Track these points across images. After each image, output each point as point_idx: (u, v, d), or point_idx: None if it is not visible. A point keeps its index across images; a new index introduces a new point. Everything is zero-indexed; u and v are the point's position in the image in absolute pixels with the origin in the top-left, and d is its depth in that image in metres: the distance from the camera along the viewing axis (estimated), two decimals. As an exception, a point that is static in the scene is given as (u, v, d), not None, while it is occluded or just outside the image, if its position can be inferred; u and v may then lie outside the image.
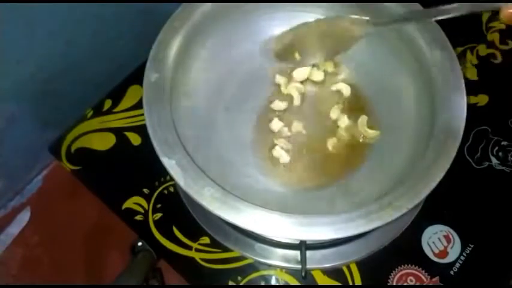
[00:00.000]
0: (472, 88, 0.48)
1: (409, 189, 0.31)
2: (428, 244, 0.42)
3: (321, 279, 0.41)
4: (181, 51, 0.38)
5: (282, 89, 0.43)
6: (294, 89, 0.43)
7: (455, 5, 0.33)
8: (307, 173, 0.40)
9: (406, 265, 0.41)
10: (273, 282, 0.41)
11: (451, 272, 0.41)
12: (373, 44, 0.42)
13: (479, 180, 0.45)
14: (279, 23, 0.44)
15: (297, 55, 0.42)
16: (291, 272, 0.42)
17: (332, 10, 0.42)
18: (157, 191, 0.45)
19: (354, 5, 0.41)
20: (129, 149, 0.47)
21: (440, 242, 0.42)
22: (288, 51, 0.43)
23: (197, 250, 0.42)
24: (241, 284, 0.41)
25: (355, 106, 0.42)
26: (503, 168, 0.45)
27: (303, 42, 0.42)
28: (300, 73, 0.44)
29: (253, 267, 0.42)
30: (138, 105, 0.49)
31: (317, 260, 0.40)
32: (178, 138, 0.33)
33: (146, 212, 0.44)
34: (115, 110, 0.49)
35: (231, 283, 0.41)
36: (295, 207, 0.37)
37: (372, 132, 0.40)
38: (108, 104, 0.49)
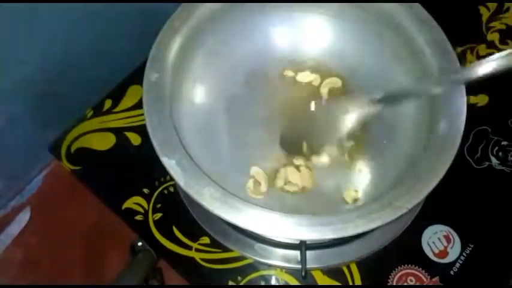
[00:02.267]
0: (471, 88, 0.48)
1: (409, 189, 0.31)
2: (428, 244, 0.42)
3: (321, 279, 0.41)
4: (181, 51, 0.38)
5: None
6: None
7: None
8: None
9: (406, 265, 0.41)
10: (273, 282, 0.42)
11: (451, 272, 0.41)
12: (373, 44, 0.42)
13: (479, 180, 0.45)
14: (279, 23, 0.44)
15: (304, 147, 0.40)
16: (291, 272, 0.42)
17: (332, 10, 0.43)
18: (157, 191, 0.45)
19: (353, 5, 0.41)
20: (129, 149, 0.47)
21: (440, 242, 0.42)
22: (294, 144, 0.40)
23: (197, 250, 0.42)
24: (241, 284, 0.41)
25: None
26: (503, 168, 0.45)
27: (308, 133, 0.40)
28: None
29: (253, 267, 0.42)
30: (138, 105, 0.49)
31: (317, 260, 0.40)
32: (178, 138, 0.33)
33: (146, 212, 0.44)
34: (115, 110, 0.49)
35: (231, 283, 0.41)
36: (295, 207, 0.37)
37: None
38: (108, 104, 0.50)
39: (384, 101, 0.35)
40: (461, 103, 0.35)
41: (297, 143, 0.40)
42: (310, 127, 0.40)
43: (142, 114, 0.35)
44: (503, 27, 0.53)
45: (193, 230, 0.43)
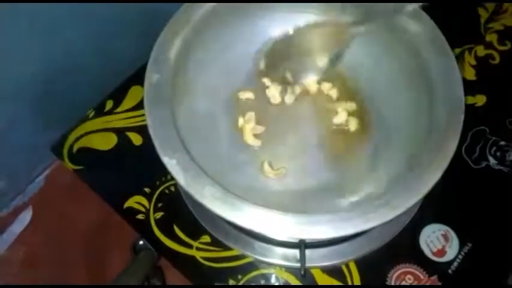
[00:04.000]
0: (470, 88, 0.48)
1: (407, 189, 0.32)
2: (426, 243, 0.42)
3: (320, 278, 0.41)
4: (182, 52, 0.38)
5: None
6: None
7: None
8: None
9: (404, 264, 0.41)
10: (273, 280, 0.42)
11: (449, 271, 0.41)
12: (373, 45, 0.42)
13: (477, 180, 0.45)
14: (279, 24, 0.44)
15: (288, 75, 0.41)
16: (290, 270, 0.42)
17: (331, 10, 0.43)
18: (159, 190, 0.46)
19: (352, 6, 0.41)
20: (130, 149, 0.47)
21: (438, 240, 0.42)
22: (275, 70, 0.42)
23: (198, 249, 0.43)
24: (242, 282, 0.41)
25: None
26: (501, 168, 0.46)
27: (290, 58, 0.41)
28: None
29: (254, 265, 0.42)
30: (140, 105, 0.49)
31: (316, 259, 0.40)
32: (178, 138, 0.34)
33: (147, 211, 0.45)
34: (116, 110, 0.49)
35: (231, 281, 0.41)
36: (294, 206, 0.38)
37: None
38: (109, 104, 0.50)
39: (359, 23, 0.37)
40: (460, 103, 0.35)
41: (277, 66, 0.41)
42: (290, 51, 0.41)
43: (143, 115, 0.35)
44: (502, 28, 0.54)
45: (194, 229, 0.43)
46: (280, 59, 0.41)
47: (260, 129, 0.41)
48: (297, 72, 0.41)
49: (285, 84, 0.42)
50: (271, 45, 0.42)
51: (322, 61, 0.41)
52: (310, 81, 0.43)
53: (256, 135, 0.41)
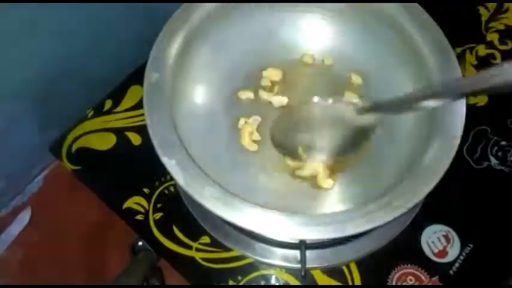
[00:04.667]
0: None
1: (408, 189, 0.31)
2: (427, 244, 0.42)
3: (321, 279, 0.41)
4: (182, 51, 0.38)
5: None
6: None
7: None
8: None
9: (405, 265, 0.41)
10: (273, 281, 0.42)
11: (451, 272, 0.41)
12: (373, 45, 0.42)
13: (478, 180, 0.45)
14: (279, 24, 0.44)
15: (300, 150, 0.38)
16: (291, 271, 0.42)
17: (332, 11, 0.43)
18: (158, 191, 0.45)
19: (353, 6, 0.41)
20: (129, 149, 0.47)
21: (439, 241, 0.42)
22: (288, 144, 0.38)
23: (197, 249, 0.43)
24: (242, 283, 0.41)
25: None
26: (503, 168, 0.45)
27: (303, 131, 0.38)
28: None
29: (254, 266, 0.42)
30: (139, 105, 0.49)
31: (317, 260, 0.40)
32: (178, 138, 0.34)
33: (146, 212, 0.44)
34: (115, 110, 0.49)
35: (231, 282, 0.41)
36: (295, 207, 0.38)
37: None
38: (108, 104, 0.50)
39: (373, 110, 0.34)
40: (460, 103, 0.35)
41: (289, 144, 0.38)
42: (303, 129, 0.38)
43: (142, 114, 0.35)
44: (503, 27, 0.53)
45: (194, 230, 0.43)
46: (289, 134, 0.38)
47: (257, 136, 0.40)
48: (308, 148, 0.38)
49: (297, 160, 0.38)
50: (276, 119, 0.39)
51: (332, 139, 0.37)
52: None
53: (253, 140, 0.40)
